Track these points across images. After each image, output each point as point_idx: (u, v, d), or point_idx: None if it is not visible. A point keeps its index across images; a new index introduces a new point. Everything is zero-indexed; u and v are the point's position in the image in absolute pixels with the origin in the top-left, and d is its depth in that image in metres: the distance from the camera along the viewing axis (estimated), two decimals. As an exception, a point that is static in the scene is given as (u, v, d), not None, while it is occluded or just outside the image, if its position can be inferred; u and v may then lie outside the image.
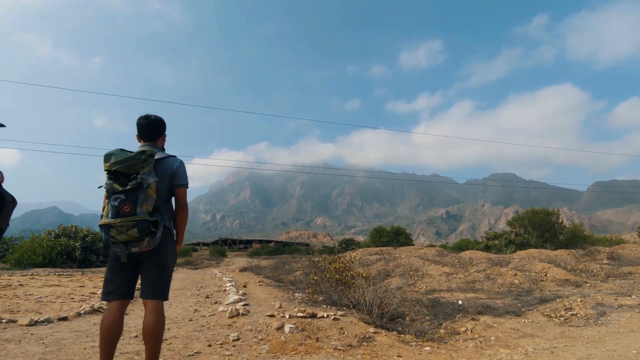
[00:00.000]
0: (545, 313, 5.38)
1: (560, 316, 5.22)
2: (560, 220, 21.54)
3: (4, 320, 4.51)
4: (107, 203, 2.41)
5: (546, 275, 8.86)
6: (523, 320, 5.06)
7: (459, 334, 4.71)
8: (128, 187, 2.35)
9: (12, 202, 2.27)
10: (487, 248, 20.87)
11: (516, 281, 8.47)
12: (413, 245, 27.23)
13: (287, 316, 4.91)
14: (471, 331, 4.74)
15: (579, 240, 19.67)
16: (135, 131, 2.84)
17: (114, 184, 2.38)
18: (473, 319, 5.13)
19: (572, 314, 5.24)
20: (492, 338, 4.43)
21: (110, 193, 2.38)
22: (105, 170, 2.44)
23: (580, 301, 5.68)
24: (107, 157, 2.44)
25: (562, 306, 5.56)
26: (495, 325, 4.84)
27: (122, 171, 2.39)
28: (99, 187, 2.62)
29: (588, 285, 7.92)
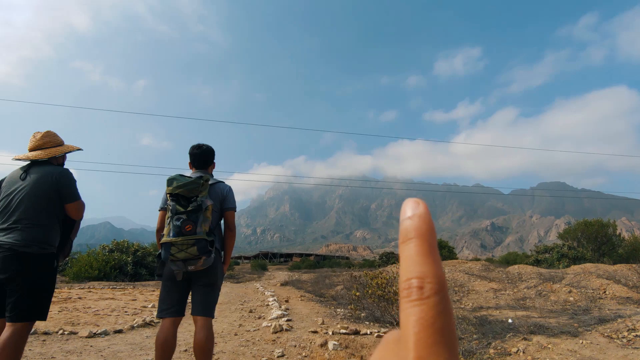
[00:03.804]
0: (606, 334, 5.02)
1: (623, 337, 4.85)
2: (618, 232, 20.11)
3: (66, 332, 4.83)
4: (168, 223, 2.56)
5: (605, 292, 8.28)
6: (581, 341, 4.75)
7: (510, 354, 4.49)
8: (189, 208, 2.52)
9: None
10: (537, 262, 19.78)
11: (571, 299, 7.97)
12: (457, 258, 26.32)
13: (330, 332, 4.90)
14: (523, 352, 4.51)
15: (641, 254, 18.24)
16: (183, 154, 3.03)
17: (176, 205, 2.54)
18: (525, 339, 4.88)
19: (636, 336, 4.85)
20: (547, 360, 4.20)
21: (173, 213, 2.53)
22: (167, 193, 2.61)
23: (645, 321, 5.26)
24: (170, 182, 2.61)
25: (625, 326, 5.17)
26: (549, 346, 4.58)
27: (183, 194, 2.56)
28: (159, 210, 2.81)
29: (653, 303, 7.32)
